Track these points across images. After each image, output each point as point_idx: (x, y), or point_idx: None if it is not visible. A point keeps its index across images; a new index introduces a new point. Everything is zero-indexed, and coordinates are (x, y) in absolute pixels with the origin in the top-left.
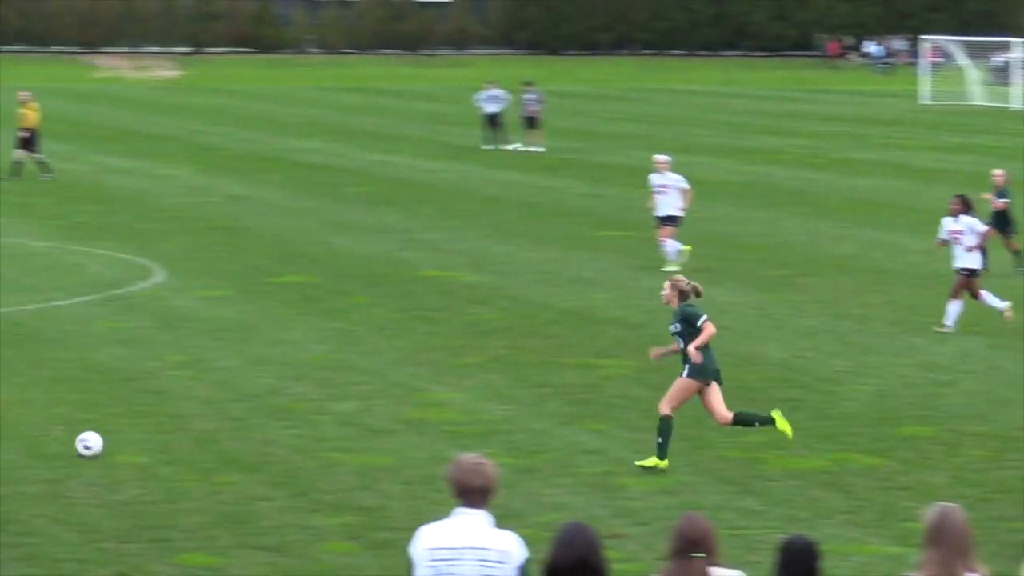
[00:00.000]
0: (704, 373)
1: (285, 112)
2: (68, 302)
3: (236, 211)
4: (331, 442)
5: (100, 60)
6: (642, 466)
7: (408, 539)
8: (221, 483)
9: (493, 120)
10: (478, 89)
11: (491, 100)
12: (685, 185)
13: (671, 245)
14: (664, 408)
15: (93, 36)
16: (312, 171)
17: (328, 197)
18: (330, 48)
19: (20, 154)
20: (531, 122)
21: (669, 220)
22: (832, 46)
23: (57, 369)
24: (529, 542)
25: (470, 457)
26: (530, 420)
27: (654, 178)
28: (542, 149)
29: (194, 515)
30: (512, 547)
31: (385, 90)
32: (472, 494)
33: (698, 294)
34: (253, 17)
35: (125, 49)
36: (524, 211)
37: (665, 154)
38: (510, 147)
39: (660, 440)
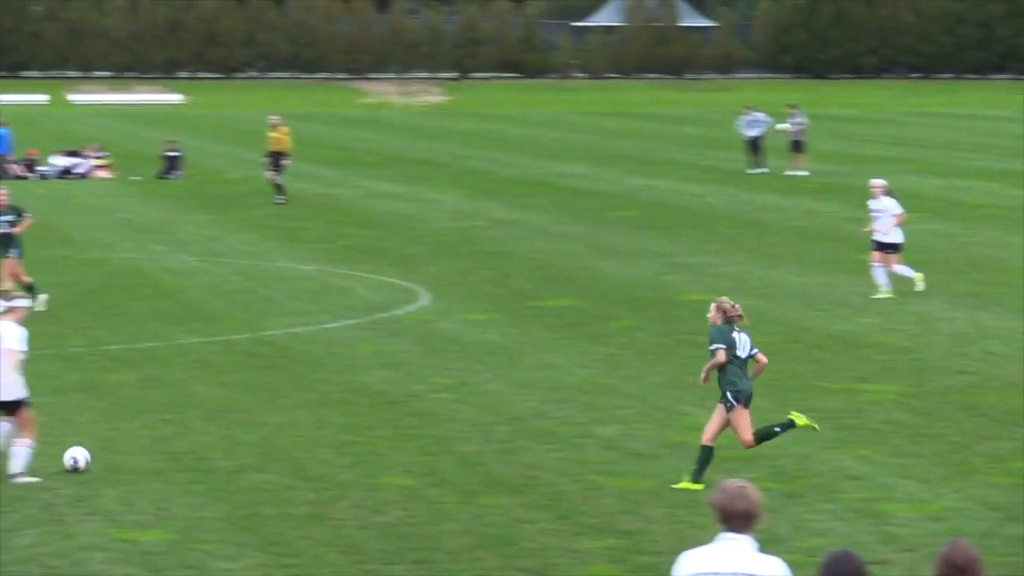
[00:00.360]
0: (740, 397)
1: (549, 136)
2: (334, 325)
3: (501, 235)
4: (594, 465)
5: (368, 86)
6: (680, 488)
7: (670, 563)
8: (485, 505)
9: (754, 144)
10: (742, 113)
11: (751, 124)
12: (898, 210)
13: (902, 271)
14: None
15: (361, 63)
16: (576, 195)
17: (592, 221)
18: (594, 73)
19: (273, 175)
20: (796, 146)
21: (890, 247)
22: None
23: (323, 392)
24: (793, 567)
25: (734, 482)
26: (794, 445)
27: (870, 204)
28: (806, 173)
29: (458, 537)
30: (777, 572)
31: (649, 114)
32: (736, 519)
33: (740, 318)
34: (519, 42)
35: (392, 75)
36: (788, 235)
37: (881, 179)
38: (763, 170)
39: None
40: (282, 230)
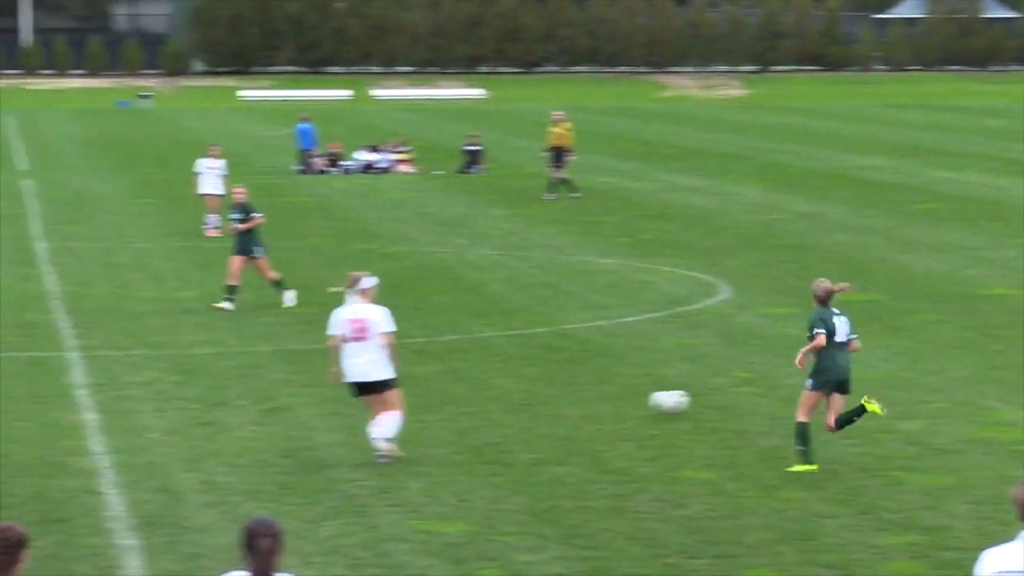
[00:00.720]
0: (818, 383)
1: (850, 129)
2: (635, 318)
3: (803, 228)
4: (897, 460)
5: (667, 79)
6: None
7: (974, 560)
8: (786, 500)
9: None
10: None
11: None
12: None
13: None
14: (800, 416)
15: (660, 56)
16: (877, 188)
17: (893, 214)
18: (896, 65)
19: (558, 173)
20: None
21: None
22: None
23: (624, 385)
24: None
25: None
26: None
27: None
28: None
29: (759, 531)
30: None
31: (952, 107)
32: None
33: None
34: (820, 35)
35: (692, 68)
36: None
37: None
38: None
39: (800, 447)
40: (582, 224)
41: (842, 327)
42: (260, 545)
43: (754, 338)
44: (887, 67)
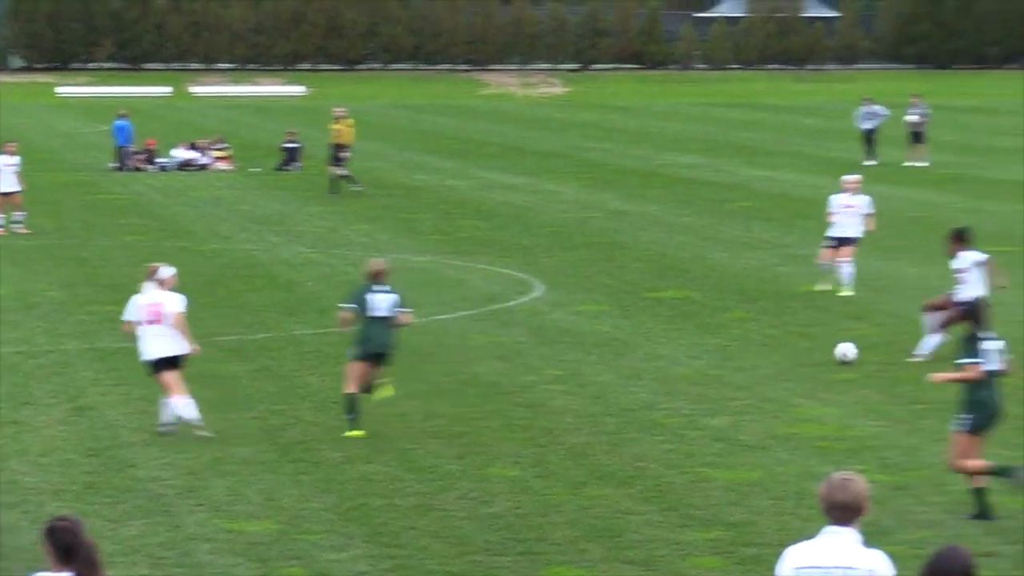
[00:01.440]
0: (356, 353)
1: (669, 128)
2: (448, 316)
3: (617, 226)
4: (702, 457)
5: (489, 77)
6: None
7: (776, 555)
8: (592, 497)
9: (869, 136)
10: (860, 105)
11: (868, 117)
12: (870, 210)
13: (847, 268)
14: (347, 388)
15: (483, 53)
16: (693, 186)
17: (708, 212)
18: (717, 64)
19: (337, 170)
20: (916, 137)
21: (847, 241)
22: None
23: (434, 383)
24: (898, 560)
25: (840, 474)
26: (903, 437)
27: (840, 198)
28: (926, 164)
29: (565, 528)
30: (879, 566)
31: (770, 105)
32: (839, 511)
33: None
34: (641, 33)
35: (514, 66)
36: (906, 226)
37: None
38: (873, 163)
39: (348, 416)
40: (398, 221)
41: (383, 303)
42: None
43: (566, 335)
44: (707, 66)
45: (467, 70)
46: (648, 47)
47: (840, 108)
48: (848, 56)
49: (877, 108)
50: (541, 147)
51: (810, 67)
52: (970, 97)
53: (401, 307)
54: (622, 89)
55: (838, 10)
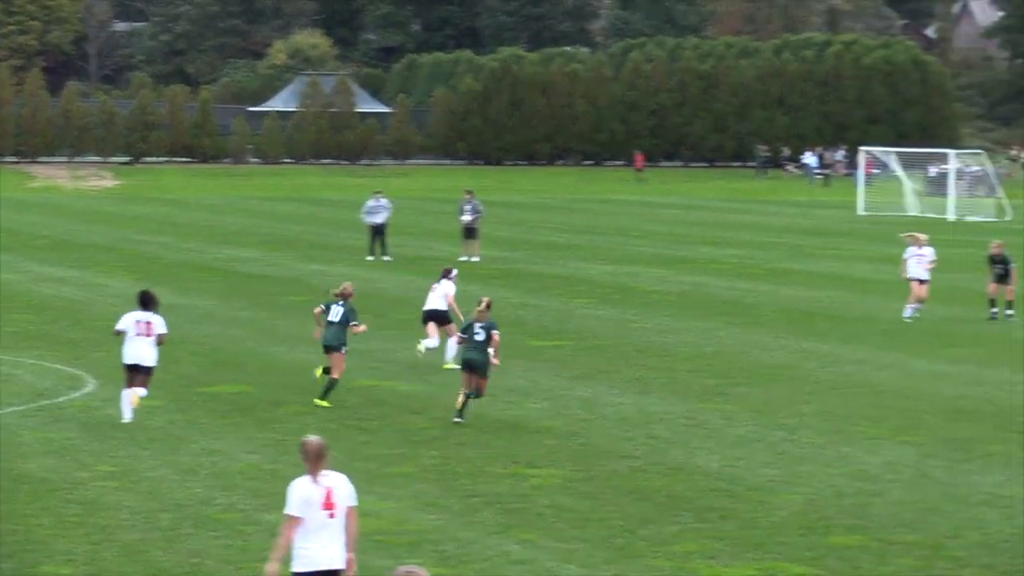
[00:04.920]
0: None
1: (223, 221)
2: None
3: (170, 320)
4: (259, 552)
5: (38, 169)
6: None
7: None
8: None
9: (378, 230)
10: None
11: (375, 210)
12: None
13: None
14: None
15: (31, 145)
16: (248, 280)
17: (263, 306)
18: (270, 158)
19: None
20: (469, 232)
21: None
22: (639, 158)
23: None
24: None
25: (405, 567)
26: (460, 530)
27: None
28: (478, 259)
29: None
30: None
31: (325, 200)
32: None
33: None
34: (193, 126)
35: (63, 159)
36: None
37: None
38: (387, 259)
39: None
40: None
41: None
42: None
43: (119, 431)
44: (260, 160)
45: (15, 162)
46: (200, 140)
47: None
48: (401, 152)
49: (384, 201)
50: (92, 240)
51: (363, 162)
52: (521, 193)
53: None
54: (174, 182)
55: (390, 106)
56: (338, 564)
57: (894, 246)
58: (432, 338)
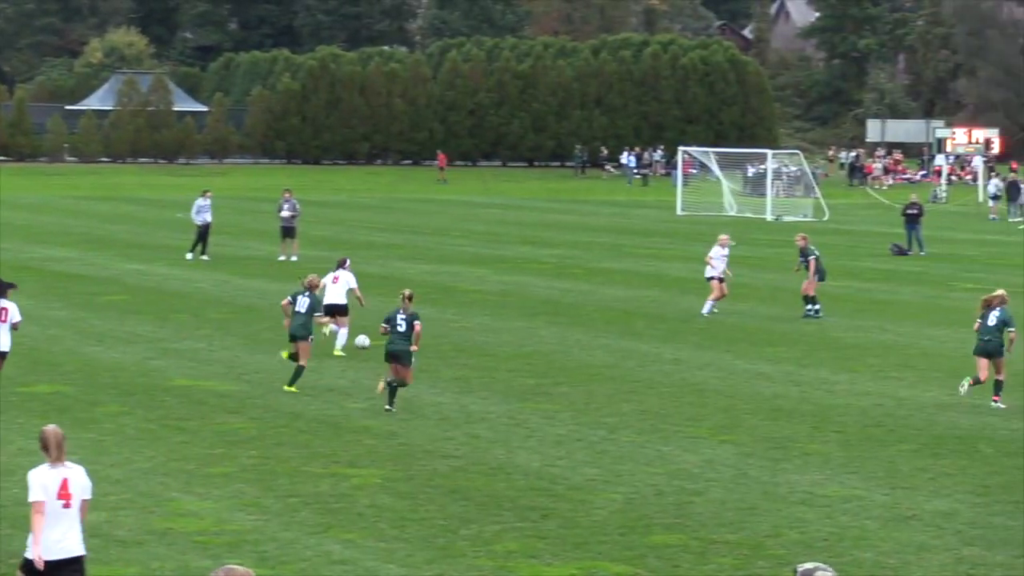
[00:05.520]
0: None
1: (39, 221)
2: None
3: None
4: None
5: None
6: None
7: None
8: None
9: (205, 229)
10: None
11: (204, 209)
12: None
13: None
14: None
15: None
16: (66, 280)
17: (81, 306)
18: (86, 157)
19: None
20: (287, 231)
21: (339, 309)
22: (441, 158)
23: None
24: None
25: (226, 568)
26: (280, 530)
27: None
28: (296, 258)
29: None
30: None
31: (142, 199)
32: None
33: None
34: (8, 125)
35: None
36: (279, 320)
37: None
38: (205, 258)
39: None
40: None
41: None
42: None
43: None
44: (77, 159)
45: None
46: (16, 139)
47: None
48: (219, 151)
49: (209, 202)
50: None
51: (181, 161)
52: (339, 192)
53: None
54: None
55: (207, 105)
56: (76, 551)
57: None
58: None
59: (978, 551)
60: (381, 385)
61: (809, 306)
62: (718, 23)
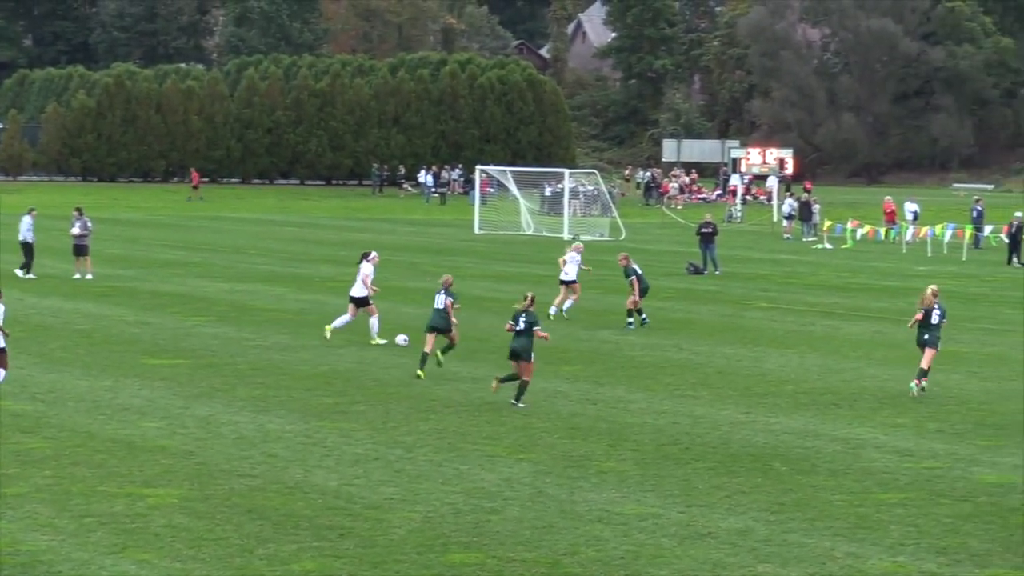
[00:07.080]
0: None
1: None
2: None
3: None
4: None
5: None
6: None
7: None
8: None
9: (30, 247)
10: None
11: (30, 227)
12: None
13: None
14: None
15: None
16: None
17: None
18: None
19: None
20: (79, 249)
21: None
22: (195, 175)
23: None
24: None
25: None
26: (74, 550)
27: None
28: (91, 276)
29: None
30: None
31: None
32: None
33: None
34: None
35: None
36: (73, 339)
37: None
38: (31, 277)
39: None
40: None
41: None
42: None
43: None
44: None
45: None
46: None
47: (7, 220)
48: (13, 168)
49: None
50: None
51: None
52: (135, 210)
53: None
54: None
55: (1, 122)
56: None
57: (510, 264)
58: (347, 315)
59: (773, 568)
60: (495, 384)
61: (630, 319)
62: (515, 43)
